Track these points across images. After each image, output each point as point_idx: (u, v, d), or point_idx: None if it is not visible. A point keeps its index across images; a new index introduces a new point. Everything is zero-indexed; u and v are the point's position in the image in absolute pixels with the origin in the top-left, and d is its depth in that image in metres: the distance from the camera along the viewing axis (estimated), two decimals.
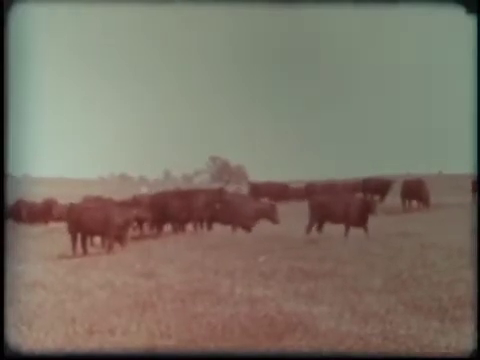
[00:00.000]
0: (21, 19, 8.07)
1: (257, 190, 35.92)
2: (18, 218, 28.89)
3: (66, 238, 16.95)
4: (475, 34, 7.77)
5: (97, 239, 17.53)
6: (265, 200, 27.92)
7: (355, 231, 18.18)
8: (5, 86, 7.86)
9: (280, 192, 36.57)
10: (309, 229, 18.93)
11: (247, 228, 19.37)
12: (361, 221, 18.41)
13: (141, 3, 9.47)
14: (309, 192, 34.60)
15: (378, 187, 33.24)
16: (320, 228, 19.11)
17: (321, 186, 35.80)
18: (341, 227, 18.61)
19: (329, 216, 18.94)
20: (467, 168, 9.21)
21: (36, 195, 30.78)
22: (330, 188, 34.98)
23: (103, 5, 9.49)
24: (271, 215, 19.78)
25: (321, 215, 19.03)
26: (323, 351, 7.14)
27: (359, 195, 30.74)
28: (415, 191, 29.05)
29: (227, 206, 19.69)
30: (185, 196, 19.90)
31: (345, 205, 18.78)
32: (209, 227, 20.07)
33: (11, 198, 27.29)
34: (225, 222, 19.84)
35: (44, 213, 28.62)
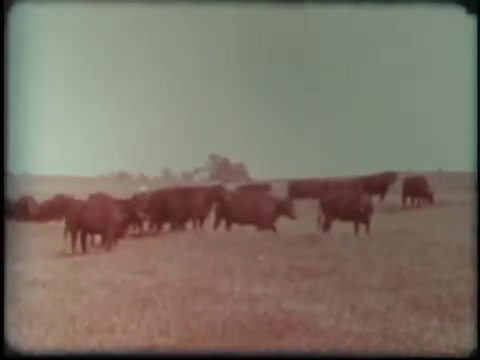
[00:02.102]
0: (21, 19, 8.07)
1: (297, 188, 34.54)
2: (26, 215, 28.71)
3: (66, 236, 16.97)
4: (475, 34, 7.78)
5: (96, 237, 17.53)
6: (284, 196, 27.12)
7: (354, 229, 18.21)
8: (5, 86, 7.86)
9: (322, 190, 34.92)
10: (326, 227, 18.75)
11: (268, 227, 18.64)
12: (366, 219, 18.39)
13: (141, 3, 9.46)
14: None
15: (379, 184, 32.92)
16: (328, 226, 19.00)
17: (323, 183, 35.22)
18: (340, 225, 18.62)
19: (338, 214, 18.85)
20: (467, 166, 9.23)
21: (36, 193, 30.74)
22: (336, 185, 34.33)
23: (103, 5, 9.49)
24: (289, 211, 19.15)
25: (331, 213, 18.93)
26: (323, 350, 7.14)
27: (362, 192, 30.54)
28: (416, 188, 29.00)
29: (246, 206, 19.21)
30: (185, 194, 19.88)
31: (353, 202, 18.71)
32: (227, 228, 19.44)
33: (12, 196, 27.29)
34: (244, 222, 19.19)
35: (58, 210, 28.37)
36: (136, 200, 20.05)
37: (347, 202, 18.86)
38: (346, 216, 18.68)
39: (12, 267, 10.41)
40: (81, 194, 29.01)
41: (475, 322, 7.63)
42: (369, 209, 18.52)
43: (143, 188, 36.01)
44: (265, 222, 18.86)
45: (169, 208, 19.44)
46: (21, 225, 25.75)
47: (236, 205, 19.31)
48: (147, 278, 11.17)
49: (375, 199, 25.53)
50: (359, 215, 18.38)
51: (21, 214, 28.73)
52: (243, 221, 19.23)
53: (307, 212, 21.92)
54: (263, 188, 33.24)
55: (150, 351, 7.37)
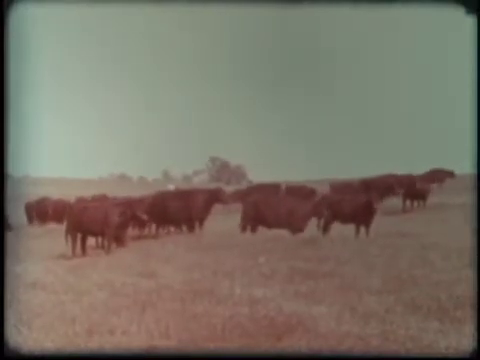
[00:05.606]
0: (21, 19, 8.07)
1: (368, 186, 33.64)
2: (45, 217, 28.65)
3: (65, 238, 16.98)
4: (475, 34, 7.78)
5: (93, 240, 17.53)
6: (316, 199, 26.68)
7: (354, 231, 18.20)
8: (5, 86, 7.86)
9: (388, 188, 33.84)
10: (325, 228, 18.71)
11: (300, 230, 18.21)
12: (367, 221, 18.37)
13: (141, 3, 9.47)
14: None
15: (380, 186, 32.68)
16: (327, 228, 18.96)
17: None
18: (339, 227, 18.61)
19: (340, 216, 18.83)
20: (467, 168, 9.23)
21: (37, 195, 30.77)
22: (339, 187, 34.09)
23: (103, 5, 9.49)
24: (323, 214, 18.91)
25: (331, 215, 18.90)
26: (323, 352, 7.14)
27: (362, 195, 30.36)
28: (416, 190, 28.96)
29: (280, 208, 18.77)
30: (184, 196, 19.92)
31: (354, 204, 18.70)
32: (254, 229, 18.83)
33: (11, 198, 27.26)
34: (276, 226, 18.64)
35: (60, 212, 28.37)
36: (135, 202, 20.12)
37: (351, 204, 18.86)
38: (348, 218, 18.67)
39: (12, 269, 10.42)
40: (81, 197, 29.03)
41: (475, 324, 7.62)
42: (373, 211, 18.54)
43: (171, 187, 36.45)
44: (299, 226, 18.43)
45: (169, 210, 19.48)
46: (31, 227, 25.87)
47: (270, 208, 18.85)
48: (147, 280, 11.16)
49: None
50: (361, 217, 18.38)
51: (40, 216, 28.81)
52: (276, 225, 18.66)
53: None
54: (304, 189, 32.86)
55: (150, 353, 7.37)
